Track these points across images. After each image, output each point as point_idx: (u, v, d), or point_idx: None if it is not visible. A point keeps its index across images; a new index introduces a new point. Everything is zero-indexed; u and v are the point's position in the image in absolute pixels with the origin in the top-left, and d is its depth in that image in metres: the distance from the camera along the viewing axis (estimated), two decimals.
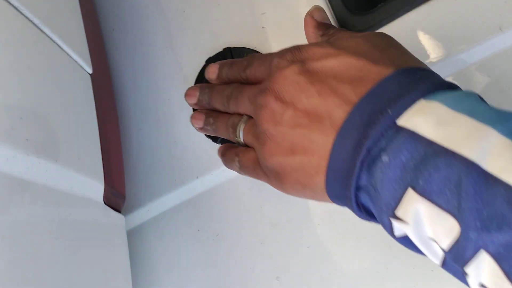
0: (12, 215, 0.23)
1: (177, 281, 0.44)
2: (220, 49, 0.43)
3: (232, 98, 0.33)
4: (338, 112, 0.25)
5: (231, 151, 0.36)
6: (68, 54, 0.37)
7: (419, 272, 0.35)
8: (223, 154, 0.37)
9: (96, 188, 0.37)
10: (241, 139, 0.33)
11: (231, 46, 0.42)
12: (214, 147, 0.43)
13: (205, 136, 0.43)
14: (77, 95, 0.37)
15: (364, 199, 0.25)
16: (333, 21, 0.39)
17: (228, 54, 0.42)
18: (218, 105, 0.35)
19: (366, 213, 0.26)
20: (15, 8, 0.29)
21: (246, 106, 0.32)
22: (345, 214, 0.38)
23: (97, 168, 0.38)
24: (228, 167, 0.37)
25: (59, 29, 0.35)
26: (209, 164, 0.43)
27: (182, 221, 0.45)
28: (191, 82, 0.44)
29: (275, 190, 0.41)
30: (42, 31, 0.32)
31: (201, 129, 0.37)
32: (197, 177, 0.44)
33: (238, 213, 0.42)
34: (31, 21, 0.31)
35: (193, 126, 0.38)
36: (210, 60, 0.43)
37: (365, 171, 0.24)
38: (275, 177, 0.29)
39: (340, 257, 0.38)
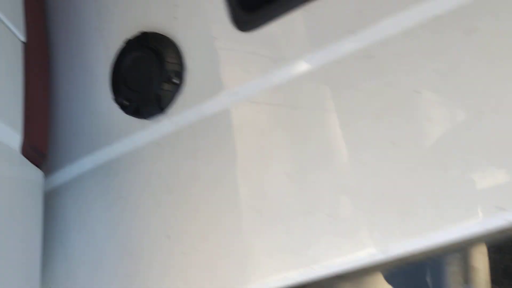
0: None
1: (86, 240, 0.50)
2: (137, 33, 0.49)
3: None
4: None
5: None
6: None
7: None
8: None
9: (12, 136, 0.42)
10: None
11: (147, 31, 0.48)
12: (126, 117, 0.49)
13: (117, 107, 0.49)
14: (2, 56, 0.42)
15: None
16: (228, 18, 0.45)
17: (145, 37, 0.48)
18: None
19: None
20: None
21: None
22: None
23: (15, 118, 0.43)
24: None
25: None
26: (120, 132, 0.49)
27: (94, 185, 0.51)
28: (111, 58, 0.50)
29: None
30: None
31: None
32: (109, 144, 0.50)
33: (143, 178, 0.48)
34: None
35: None
36: (129, 42, 0.49)
37: None
38: None
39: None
